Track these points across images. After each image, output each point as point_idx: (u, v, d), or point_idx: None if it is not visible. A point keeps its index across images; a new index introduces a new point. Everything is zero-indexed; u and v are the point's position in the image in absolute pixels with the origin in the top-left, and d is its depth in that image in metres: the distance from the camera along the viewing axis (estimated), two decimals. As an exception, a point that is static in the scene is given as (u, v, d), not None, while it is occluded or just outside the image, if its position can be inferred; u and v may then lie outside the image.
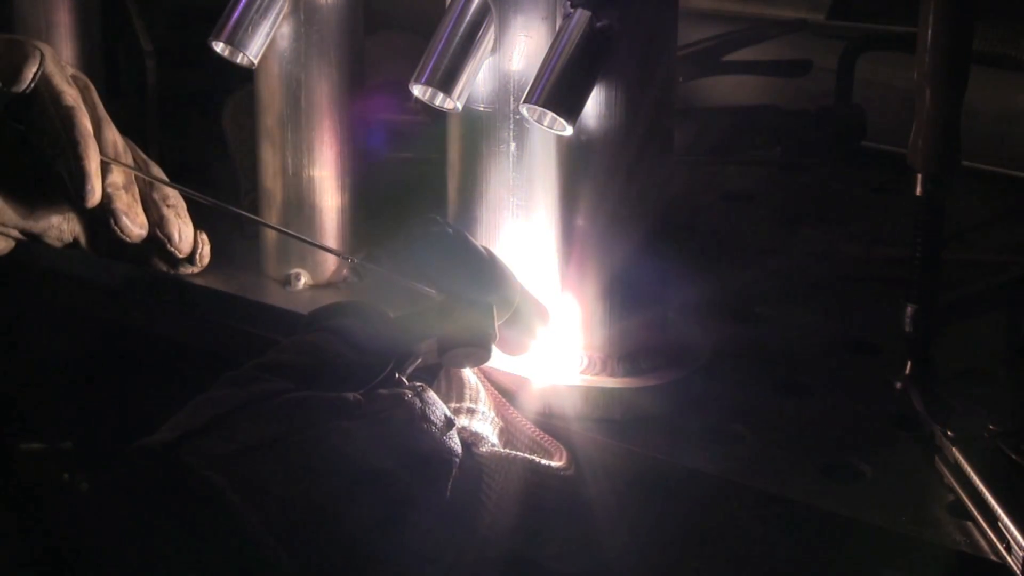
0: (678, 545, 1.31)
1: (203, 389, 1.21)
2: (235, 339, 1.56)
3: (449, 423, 1.22)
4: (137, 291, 1.60)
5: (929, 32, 1.32)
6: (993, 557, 1.17)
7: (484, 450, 1.25)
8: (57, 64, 1.33)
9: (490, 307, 1.29)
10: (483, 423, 1.29)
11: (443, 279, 1.30)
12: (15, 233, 1.36)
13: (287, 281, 1.59)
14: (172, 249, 1.39)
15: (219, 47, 1.47)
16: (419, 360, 1.28)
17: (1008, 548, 1.16)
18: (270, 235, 1.59)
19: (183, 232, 1.39)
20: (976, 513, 1.20)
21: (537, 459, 1.27)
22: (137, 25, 1.85)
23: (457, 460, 1.20)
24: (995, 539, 1.18)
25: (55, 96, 1.31)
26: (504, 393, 1.35)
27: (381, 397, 1.21)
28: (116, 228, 1.35)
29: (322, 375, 1.22)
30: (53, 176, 1.33)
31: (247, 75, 1.57)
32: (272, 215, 1.59)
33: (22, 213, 1.35)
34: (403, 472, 1.17)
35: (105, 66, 1.82)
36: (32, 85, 1.31)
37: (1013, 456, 1.24)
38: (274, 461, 1.13)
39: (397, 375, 1.25)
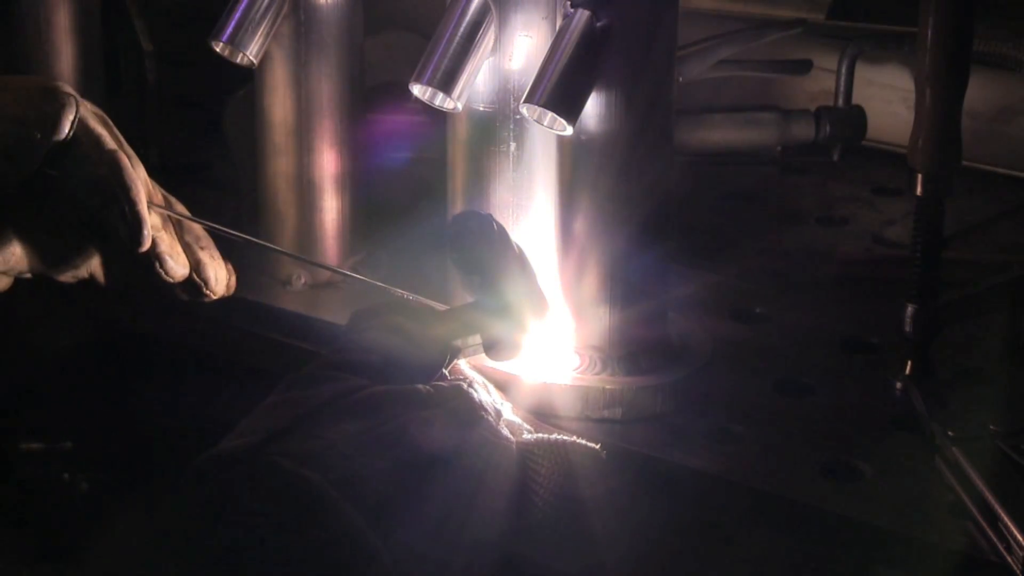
0: (678, 544, 1.31)
1: (203, 389, 1.20)
2: (235, 338, 1.56)
3: (498, 412, 1.23)
4: (138, 291, 1.60)
5: (929, 32, 1.32)
6: (993, 557, 1.17)
7: (526, 437, 1.25)
8: (85, 106, 1.29)
9: (527, 300, 1.30)
10: (511, 414, 1.29)
11: (488, 271, 1.31)
12: (26, 276, 1.33)
13: (287, 281, 1.59)
14: (207, 292, 1.36)
15: (219, 47, 1.47)
16: (462, 354, 1.29)
17: (1008, 548, 1.16)
18: (271, 235, 1.59)
19: (219, 275, 1.36)
20: (976, 513, 1.20)
21: (578, 440, 1.28)
22: (137, 25, 1.85)
23: (513, 445, 1.21)
24: (995, 539, 1.18)
25: (96, 141, 1.27)
26: (504, 392, 1.35)
27: (444, 389, 1.22)
28: (161, 271, 1.31)
29: (390, 371, 1.22)
30: (78, 222, 1.29)
31: (247, 75, 1.57)
32: (272, 216, 1.59)
33: (39, 258, 1.31)
34: (476, 459, 1.17)
35: (105, 66, 1.82)
36: (71, 133, 1.26)
37: (1013, 456, 1.24)
38: (364, 454, 1.11)
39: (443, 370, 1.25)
